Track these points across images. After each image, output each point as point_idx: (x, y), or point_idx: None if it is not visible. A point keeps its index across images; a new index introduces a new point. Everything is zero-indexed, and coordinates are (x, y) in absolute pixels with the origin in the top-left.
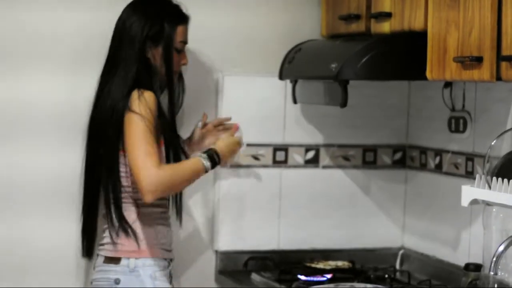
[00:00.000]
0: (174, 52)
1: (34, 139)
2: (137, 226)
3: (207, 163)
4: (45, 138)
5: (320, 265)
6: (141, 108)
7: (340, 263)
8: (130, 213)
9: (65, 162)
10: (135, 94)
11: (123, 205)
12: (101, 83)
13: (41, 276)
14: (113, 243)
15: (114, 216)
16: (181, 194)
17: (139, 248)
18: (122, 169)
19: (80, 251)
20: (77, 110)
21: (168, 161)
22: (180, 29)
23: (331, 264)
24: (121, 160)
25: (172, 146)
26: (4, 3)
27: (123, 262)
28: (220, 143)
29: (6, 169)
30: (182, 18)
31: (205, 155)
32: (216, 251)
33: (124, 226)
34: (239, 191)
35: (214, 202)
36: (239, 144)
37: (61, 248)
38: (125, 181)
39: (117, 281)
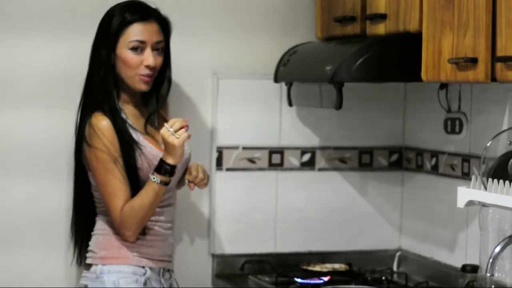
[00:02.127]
0: (130, 53)
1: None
2: (106, 234)
3: (157, 178)
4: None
5: (317, 268)
6: (91, 139)
7: (337, 266)
8: (102, 223)
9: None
10: (88, 120)
11: (100, 215)
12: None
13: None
14: (89, 250)
15: (96, 224)
16: None
17: (107, 254)
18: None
19: (75, 260)
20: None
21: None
22: (132, 28)
23: (328, 267)
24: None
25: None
26: None
27: (92, 268)
28: (165, 153)
29: None
30: (137, 16)
31: (154, 174)
32: (213, 255)
33: (94, 235)
34: (235, 194)
35: (211, 205)
36: (172, 138)
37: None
38: (94, 196)
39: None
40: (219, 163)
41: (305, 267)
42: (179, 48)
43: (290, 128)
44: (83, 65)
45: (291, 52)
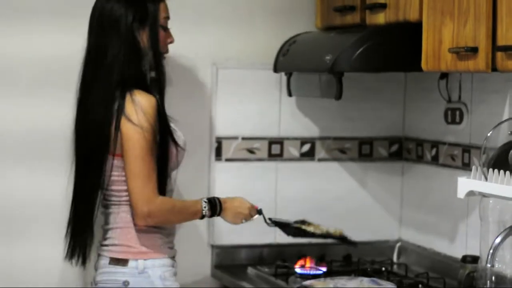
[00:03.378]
0: (161, 30)
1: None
2: (138, 228)
3: (206, 211)
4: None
5: (311, 228)
6: (139, 117)
7: (332, 230)
8: (129, 215)
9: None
10: (129, 98)
11: (121, 207)
12: (84, 78)
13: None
14: (118, 244)
15: (116, 216)
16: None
17: (146, 249)
18: (115, 172)
19: (75, 261)
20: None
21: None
22: (162, 5)
23: (322, 228)
24: (115, 163)
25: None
26: None
27: (131, 263)
28: (229, 200)
29: None
30: None
31: (206, 202)
32: (212, 246)
33: (123, 228)
34: (235, 184)
35: (210, 195)
36: (248, 210)
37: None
38: (119, 185)
39: (126, 283)
40: (218, 153)
41: (298, 225)
42: (178, 38)
43: (290, 119)
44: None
45: (291, 42)
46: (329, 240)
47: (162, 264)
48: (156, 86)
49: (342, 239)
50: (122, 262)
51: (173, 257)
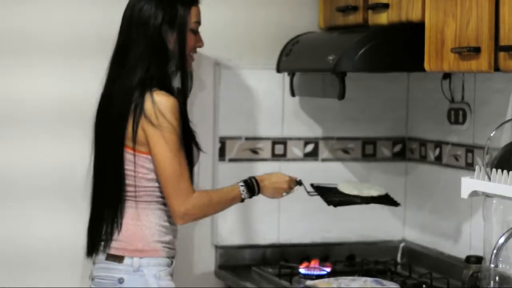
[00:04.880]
0: (190, 34)
1: (34, 133)
2: (140, 224)
3: (245, 194)
4: (44, 132)
5: (355, 191)
6: (159, 118)
7: (374, 191)
8: (134, 211)
9: (65, 155)
10: (148, 98)
11: (127, 203)
12: (110, 75)
13: (41, 273)
14: (116, 240)
15: (116, 213)
16: None
17: (143, 247)
18: (128, 167)
19: (85, 251)
20: (77, 104)
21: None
22: (194, 9)
23: (364, 191)
24: (128, 157)
25: (188, 148)
26: None
27: (127, 261)
28: (266, 176)
29: (5, 164)
30: None
31: (243, 185)
32: (216, 246)
33: (124, 224)
34: None
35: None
36: (287, 183)
37: (63, 243)
38: (129, 180)
39: (120, 281)
40: (221, 153)
41: (342, 191)
42: None
43: (293, 119)
44: None
45: (294, 42)
46: (332, 238)
47: (158, 263)
48: (181, 89)
49: (386, 201)
50: (118, 258)
51: (171, 257)
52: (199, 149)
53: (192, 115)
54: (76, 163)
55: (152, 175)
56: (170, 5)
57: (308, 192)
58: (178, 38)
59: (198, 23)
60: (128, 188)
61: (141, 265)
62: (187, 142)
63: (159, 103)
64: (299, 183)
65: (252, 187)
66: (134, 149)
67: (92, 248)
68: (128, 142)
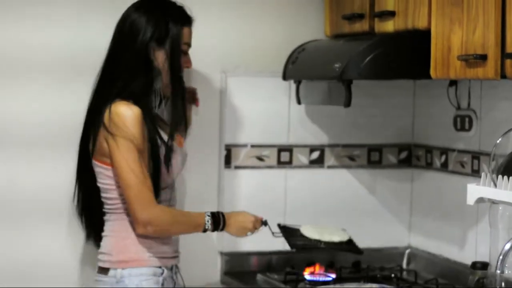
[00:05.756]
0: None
1: (27, 152)
2: (121, 236)
3: (209, 225)
4: (38, 150)
5: (316, 236)
6: (115, 128)
7: (337, 236)
8: (114, 224)
9: (57, 174)
10: (108, 109)
11: (107, 216)
12: (94, 88)
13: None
14: (103, 253)
15: (97, 226)
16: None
17: (126, 258)
18: (101, 180)
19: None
20: (67, 121)
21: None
22: (185, 30)
23: (326, 236)
24: (99, 170)
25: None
26: None
27: (111, 273)
28: (233, 214)
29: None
30: (187, 20)
31: (209, 216)
32: (221, 252)
33: (105, 237)
34: (244, 192)
35: (219, 203)
36: (253, 224)
37: (61, 259)
38: (112, 193)
39: None
40: (227, 161)
41: (304, 234)
42: None
43: (299, 126)
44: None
45: (300, 50)
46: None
47: (140, 273)
48: (172, 105)
49: (348, 248)
50: (104, 271)
51: (161, 267)
52: (166, 164)
53: (198, 122)
54: (64, 186)
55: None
56: (161, 22)
57: (273, 233)
58: (170, 58)
59: (188, 44)
60: (105, 201)
61: (122, 276)
62: (154, 155)
63: (114, 113)
64: (265, 223)
65: (218, 221)
66: (102, 162)
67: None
68: (96, 155)
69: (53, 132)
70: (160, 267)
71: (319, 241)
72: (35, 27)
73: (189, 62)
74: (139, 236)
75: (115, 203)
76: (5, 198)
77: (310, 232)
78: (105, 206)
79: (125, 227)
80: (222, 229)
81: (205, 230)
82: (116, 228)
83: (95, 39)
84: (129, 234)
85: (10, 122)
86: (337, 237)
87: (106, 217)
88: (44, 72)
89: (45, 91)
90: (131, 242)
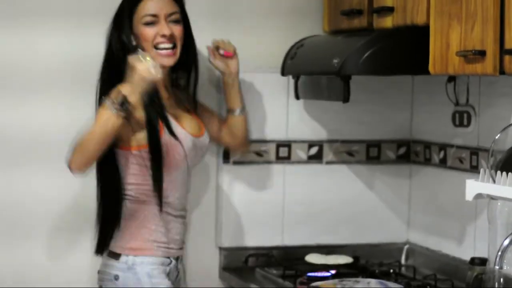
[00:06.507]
0: (145, 27)
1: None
2: (137, 223)
3: (110, 103)
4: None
5: (322, 261)
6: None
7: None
8: (131, 210)
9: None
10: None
11: (129, 203)
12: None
13: None
14: (115, 238)
15: (115, 212)
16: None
17: (138, 245)
18: (120, 164)
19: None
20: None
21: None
22: (141, 5)
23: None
24: (122, 156)
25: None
26: None
27: (122, 258)
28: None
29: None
30: None
31: (108, 100)
32: (220, 248)
33: (122, 222)
34: (242, 187)
35: (218, 198)
36: (144, 72)
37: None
38: (128, 178)
39: (116, 277)
40: (226, 156)
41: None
42: None
43: (297, 121)
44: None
45: (298, 45)
46: (336, 240)
47: (152, 262)
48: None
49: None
50: (116, 256)
51: (168, 257)
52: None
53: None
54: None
55: (137, 170)
56: (118, 8)
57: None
58: (137, 39)
59: (152, 15)
60: (126, 186)
61: (134, 263)
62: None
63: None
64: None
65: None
66: (118, 146)
67: (99, 246)
68: (121, 142)
69: (57, 142)
70: (168, 257)
71: (326, 265)
72: (36, 36)
73: (161, 30)
74: (153, 225)
75: (131, 189)
76: (6, 205)
77: (315, 259)
78: (126, 192)
79: (141, 215)
80: (124, 99)
81: (118, 114)
82: (132, 216)
83: (95, 48)
84: (144, 223)
85: (11, 129)
86: (341, 260)
87: (124, 203)
88: (45, 81)
89: (47, 100)
90: (146, 231)
